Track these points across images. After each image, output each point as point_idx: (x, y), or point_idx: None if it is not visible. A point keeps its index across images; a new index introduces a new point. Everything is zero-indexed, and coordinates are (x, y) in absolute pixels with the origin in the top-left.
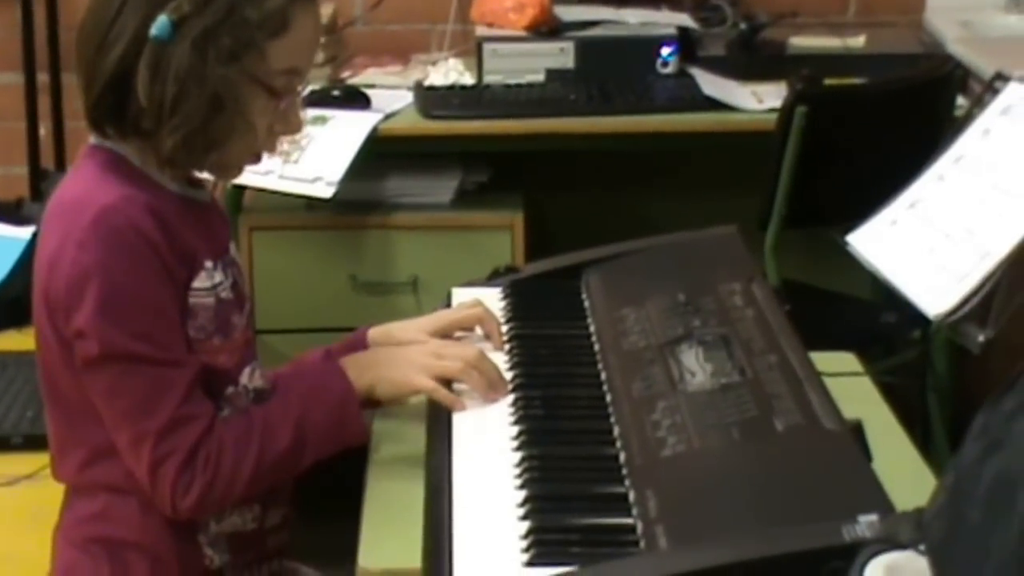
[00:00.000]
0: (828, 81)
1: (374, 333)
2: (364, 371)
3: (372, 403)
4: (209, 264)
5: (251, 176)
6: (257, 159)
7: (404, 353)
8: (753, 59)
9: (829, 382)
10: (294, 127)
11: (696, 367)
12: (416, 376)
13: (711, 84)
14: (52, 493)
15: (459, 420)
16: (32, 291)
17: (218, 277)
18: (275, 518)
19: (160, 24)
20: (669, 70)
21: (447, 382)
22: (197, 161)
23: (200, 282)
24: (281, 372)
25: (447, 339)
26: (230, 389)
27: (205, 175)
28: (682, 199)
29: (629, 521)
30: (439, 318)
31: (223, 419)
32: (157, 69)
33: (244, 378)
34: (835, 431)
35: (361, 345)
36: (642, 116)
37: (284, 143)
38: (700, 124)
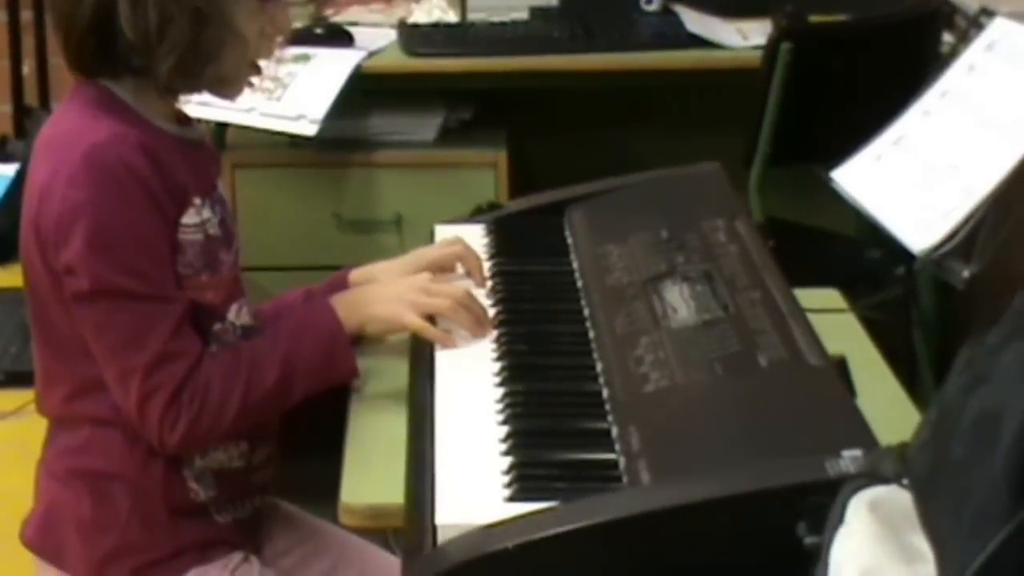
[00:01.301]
0: (813, 18)
1: (356, 274)
2: (354, 309)
3: (355, 339)
4: (198, 201)
5: (233, 113)
6: (257, 69)
7: (392, 289)
8: None
9: (813, 318)
10: (284, 26)
11: (679, 303)
12: (406, 313)
13: (695, 21)
14: (36, 429)
15: (442, 356)
16: (19, 227)
17: (206, 213)
18: (261, 455)
19: None
20: (653, 7)
21: (433, 319)
22: (195, 81)
23: (189, 218)
24: (262, 310)
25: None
26: (217, 325)
27: (197, 104)
28: (666, 137)
29: (612, 456)
30: (420, 256)
31: (211, 354)
32: (136, 2)
33: (232, 314)
34: (819, 367)
35: (343, 286)
36: (626, 53)
37: (265, 81)
38: (684, 61)
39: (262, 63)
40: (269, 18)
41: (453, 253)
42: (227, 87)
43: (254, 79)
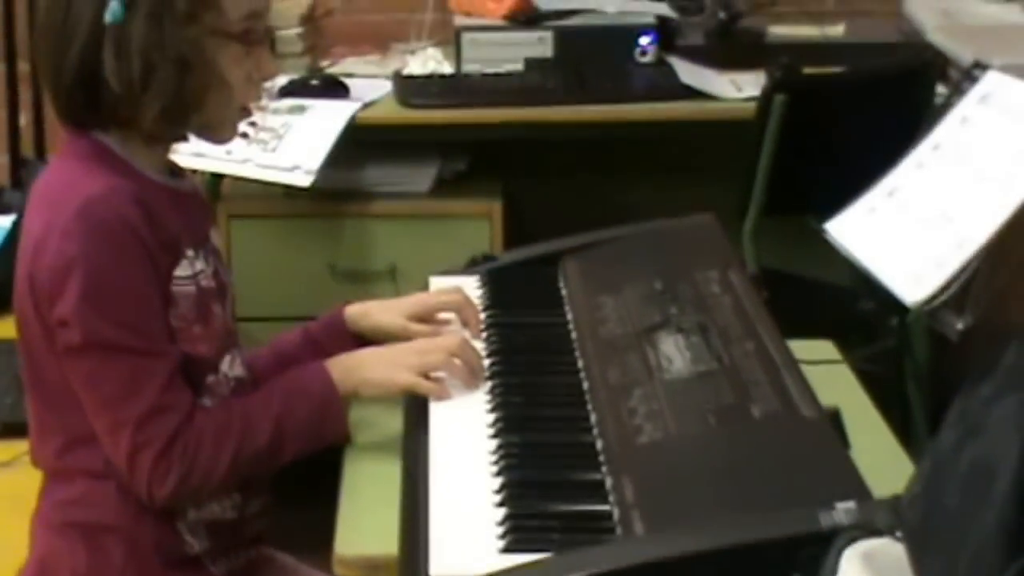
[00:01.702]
0: (807, 70)
1: (351, 311)
2: (348, 373)
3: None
4: (191, 252)
5: (229, 164)
6: (246, 113)
7: (388, 354)
8: (732, 48)
9: (807, 370)
10: (270, 71)
11: (674, 354)
12: (398, 374)
13: (689, 73)
14: (31, 480)
15: (436, 407)
16: (14, 279)
17: (199, 265)
18: (255, 507)
19: (112, 9)
20: (648, 59)
21: (427, 374)
22: (181, 128)
23: (182, 270)
24: (259, 355)
25: (426, 323)
26: (211, 377)
27: (191, 156)
28: (660, 187)
29: (606, 508)
30: (419, 301)
31: (203, 409)
32: (120, 53)
33: (225, 366)
34: (812, 418)
35: (338, 322)
36: (620, 105)
37: (260, 132)
38: (678, 112)
39: (255, 110)
40: (254, 63)
41: (453, 301)
42: (215, 132)
43: (249, 130)
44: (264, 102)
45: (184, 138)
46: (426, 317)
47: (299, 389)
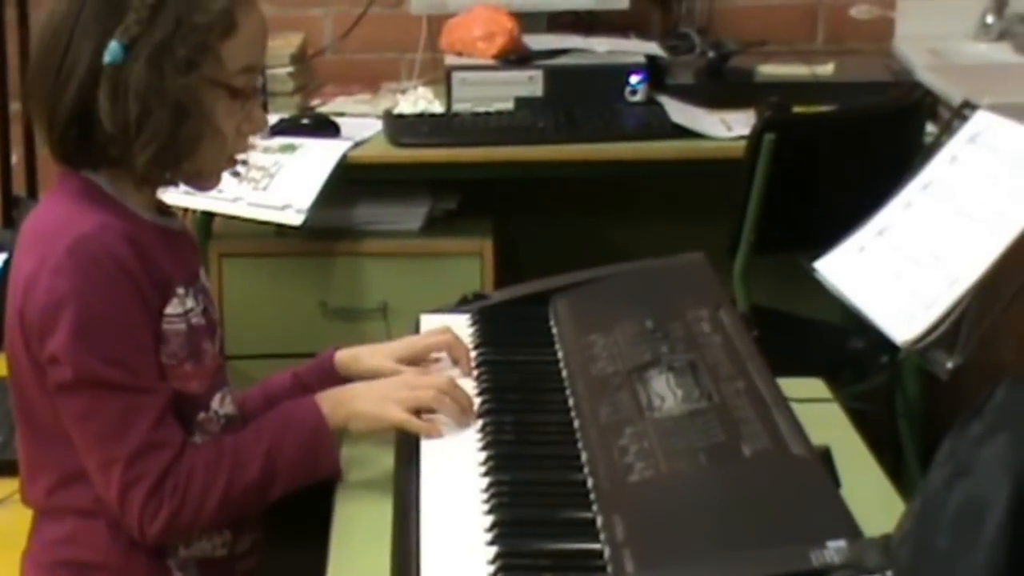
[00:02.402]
0: (797, 108)
1: (341, 356)
2: (338, 407)
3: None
4: (181, 290)
5: (220, 203)
6: (233, 163)
7: (378, 388)
8: (722, 87)
9: (797, 408)
10: (260, 124)
11: (664, 393)
12: (388, 409)
13: (679, 112)
14: (22, 518)
15: (428, 445)
16: (5, 317)
17: (190, 303)
18: (245, 544)
19: (112, 50)
20: (638, 98)
21: (418, 412)
22: (171, 174)
23: (173, 308)
24: (249, 394)
25: (416, 365)
26: (201, 415)
27: (182, 194)
28: (651, 226)
29: (596, 546)
30: (408, 344)
31: (194, 446)
32: (116, 94)
33: (215, 404)
34: (803, 456)
35: (328, 367)
36: (610, 144)
37: (252, 170)
38: (668, 151)
39: (242, 156)
40: (246, 115)
41: (443, 341)
42: (203, 180)
43: (240, 169)
44: (249, 155)
45: (174, 183)
46: (416, 360)
47: (289, 423)
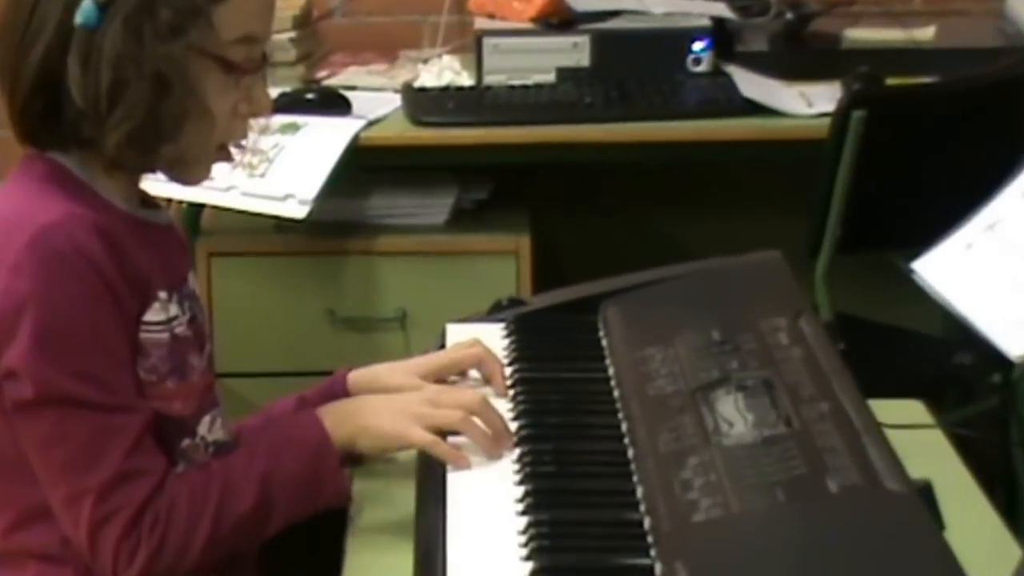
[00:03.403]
0: (890, 80)
1: (356, 376)
2: (345, 421)
3: (354, 460)
4: (163, 295)
5: (210, 192)
6: (225, 153)
7: (393, 401)
8: (801, 55)
9: (892, 435)
10: (261, 106)
11: (734, 416)
12: (408, 427)
13: (751, 84)
14: None
15: (455, 479)
16: None
17: (174, 310)
18: None
19: (85, 10)
20: (701, 68)
21: (443, 433)
22: (149, 159)
23: (153, 315)
24: (247, 425)
25: (443, 384)
26: (186, 441)
27: (164, 187)
28: (717, 220)
29: None
30: (432, 360)
31: (177, 475)
32: (88, 61)
33: (203, 429)
34: (899, 493)
35: (340, 390)
36: (669, 122)
37: (247, 153)
38: (738, 131)
39: (235, 150)
40: (244, 94)
41: (472, 356)
42: (186, 170)
43: (234, 152)
44: (248, 140)
45: (151, 170)
46: (442, 378)
47: (287, 442)
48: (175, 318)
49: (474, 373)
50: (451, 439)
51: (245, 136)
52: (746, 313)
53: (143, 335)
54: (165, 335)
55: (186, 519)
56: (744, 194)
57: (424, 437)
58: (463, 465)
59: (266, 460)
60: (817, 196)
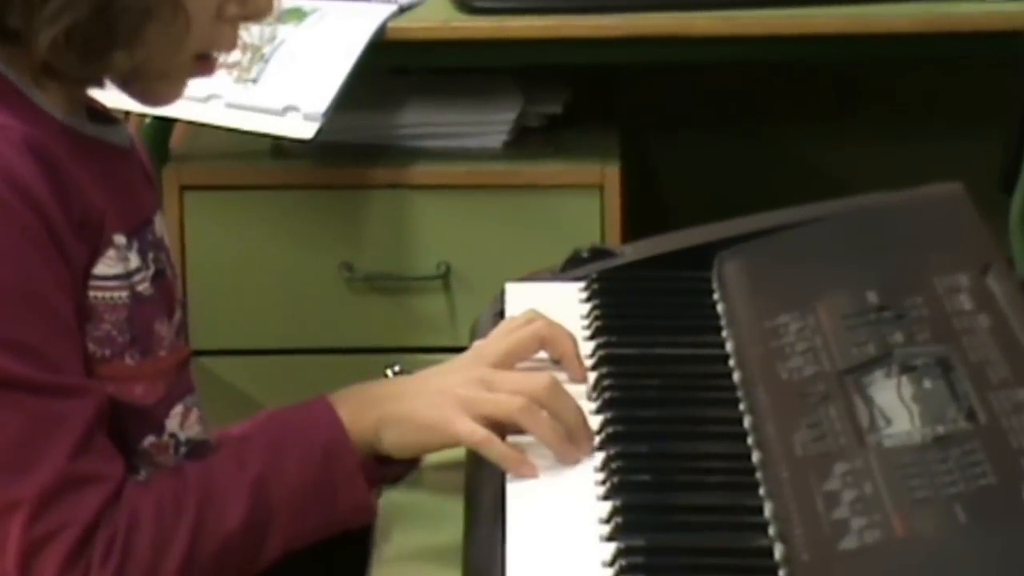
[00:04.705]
0: None
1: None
2: (366, 408)
3: (382, 470)
4: (121, 239)
5: (184, 104)
6: (206, 65)
7: (431, 380)
8: None
9: None
10: (260, 7)
11: (897, 408)
12: (452, 416)
13: None
14: None
15: (517, 492)
16: None
17: (134, 261)
18: None
19: None
20: None
21: (500, 429)
22: (94, 67)
23: (107, 267)
24: (228, 435)
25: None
26: (150, 438)
27: (122, 100)
28: (873, 142)
29: None
30: (481, 352)
31: (139, 483)
32: None
33: (173, 422)
34: None
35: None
36: (809, 8)
37: (234, 51)
38: (903, 21)
39: (219, 61)
40: None
41: (531, 336)
42: (148, 87)
43: (215, 69)
44: (237, 54)
45: (97, 83)
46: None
47: (288, 438)
48: (136, 271)
49: (542, 354)
50: (511, 438)
51: (234, 45)
52: (914, 268)
53: (93, 293)
54: (123, 293)
55: (151, 542)
56: (911, 107)
57: (473, 431)
58: (527, 473)
59: (260, 463)
60: (1016, 110)
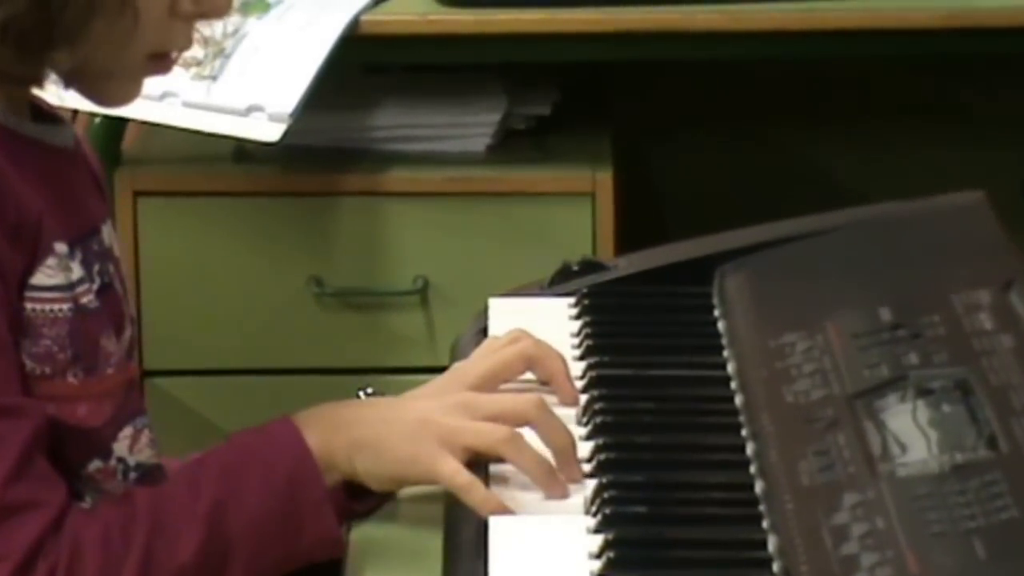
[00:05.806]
0: None
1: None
2: (337, 432)
3: (351, 503)
4: (62, 249)
5: (137, 104)
6: (163, 63)
7: (411, 407)
8: None
9: None
10: (217, 5)
11: (912, 435)
12: (433, 452)
13: None
14: None
15: (500, 525)
16: None
17: (77, 272)
18: None
19: None
20: None
21: (481, 461)
22: (34, 67)
23: (46, 277)
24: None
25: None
26: (96, 463)
27: (69, 99)
28: (886, 147)
29: None
30: (461, 374)
31: (83, 510)
32: None
33: (121, 446)
34: None
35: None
36: (818, 2)
37: (193, 45)
38: (920, 15)
39: (175, 60)
40: None
41: (517, 356)
42: (97, 87)
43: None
44: (196, 52)
45: (36, 82)
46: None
47: (249, 462)
48: (79, 282)
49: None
50: (496, 467)
51: (189, 44)
52: (931, 283)
53: (31, 306)
54: (64, 306)
55: (96, 575)
56: (928, 110)
57: (456, 473)
58: (499, 510)
59: (216, 489)
60: None
